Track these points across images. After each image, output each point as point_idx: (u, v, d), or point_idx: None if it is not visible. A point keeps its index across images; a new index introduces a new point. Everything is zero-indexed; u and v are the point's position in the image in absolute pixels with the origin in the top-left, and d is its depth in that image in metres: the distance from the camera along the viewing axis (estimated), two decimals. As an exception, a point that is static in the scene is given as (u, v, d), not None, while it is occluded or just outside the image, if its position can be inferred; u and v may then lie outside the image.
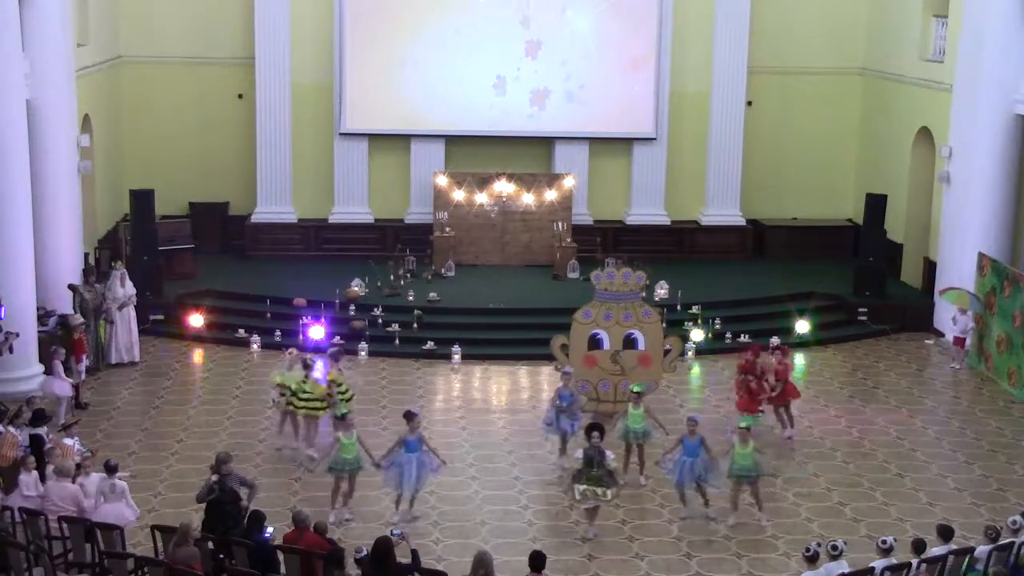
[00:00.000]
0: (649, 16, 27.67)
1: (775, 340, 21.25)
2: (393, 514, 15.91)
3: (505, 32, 27.50)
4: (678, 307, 24.05)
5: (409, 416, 16.10)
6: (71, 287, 21.28)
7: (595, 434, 15.45)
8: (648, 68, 27.83)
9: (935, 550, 13.20)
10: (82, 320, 20.57)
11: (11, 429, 15.65)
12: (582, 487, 15.39)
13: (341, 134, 27.73)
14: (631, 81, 27.91)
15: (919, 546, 13.14)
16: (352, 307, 23.89)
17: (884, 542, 13.13)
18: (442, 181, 27.14)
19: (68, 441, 15.63)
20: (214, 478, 13.87)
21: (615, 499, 15.73)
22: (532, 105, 27.77)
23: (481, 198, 27.21)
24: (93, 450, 16.22)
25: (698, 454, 16.00)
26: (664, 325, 20.56)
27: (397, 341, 23.04)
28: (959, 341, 22.98)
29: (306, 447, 17.91)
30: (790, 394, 19.08)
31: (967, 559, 13.31)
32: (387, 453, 15.99)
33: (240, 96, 28.35)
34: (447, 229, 26.74)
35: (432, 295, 24.37)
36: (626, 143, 28.39)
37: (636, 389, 17.44)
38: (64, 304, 21.33)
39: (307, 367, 18.00)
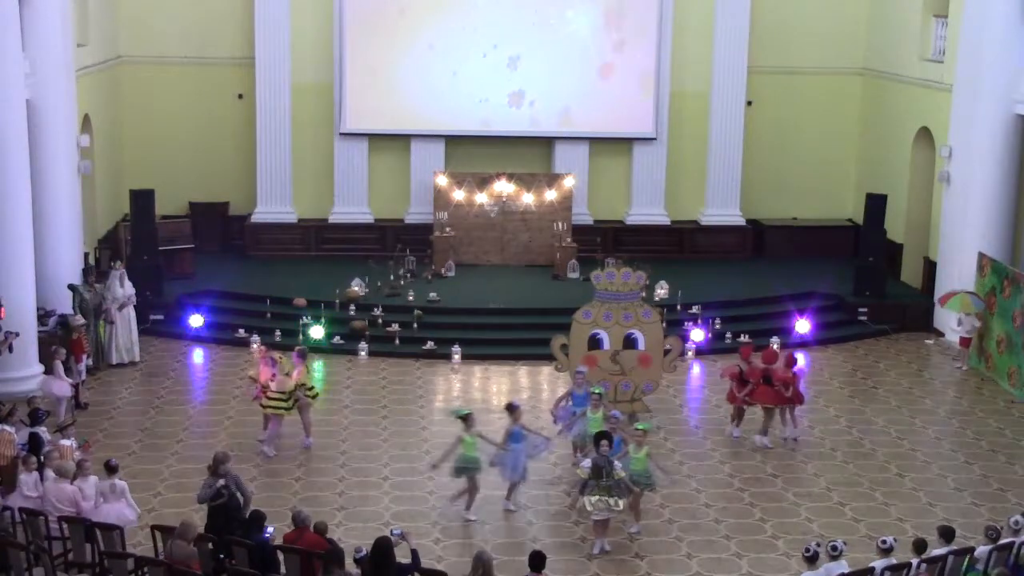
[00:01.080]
0: (649, 16, 27.68)
1: (775, 340, 21.34)
2: (507, 504, 16.16)
3: (505, 32, 27.49)
4: (678, 307, 24.05)
5: (511, 408, 16.31)
6: (71, 287, 21.26)
7: (604, 443, 15.00)
8: (648, 68, 27.83)
9: (936, 551, 13.20)
10: (82, 320, 20.56)
11: (7, 427, 15.65)
12: (594, 498, 14.89)
13: (341, 134, 27.73)
14: (631, 81, 27.92)
15: (920, 546, 13.14)
16: (352, 307, 23.89)
17: (884, 542, 13.13)
18: (442, 181, 27.13)
19: (65, 442, 15.59)
20: (221, 482, 13.83)
21: (626, 509, 15.42)
22: (532, 105, 27.76)
23: (481, 198, 27.20)
24: (88, 440, 16.16)
25: (616, 454, 15.56)
26: (664, 325, 20.57)
27: (397, 341, 23.04)
28: (965, 342, 22.96)
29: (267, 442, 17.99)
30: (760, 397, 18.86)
31: (967, 559, 13.30)
32: (500, 447, 16.21)
33: (240, 96, 28.35)
34: (447, 229, 26.74)
35: (432, 295, 24.36)
36: (626, 143, 28.38)
37: (596, 391, 17.12)
38: (64, 304, 21.31)
39: (303, 357, 18.02)
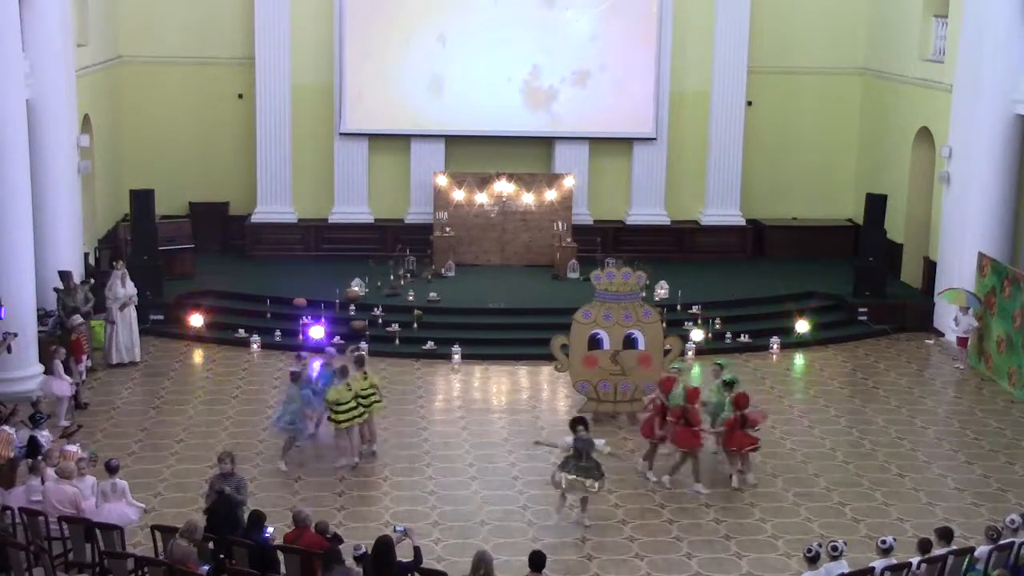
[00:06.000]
0: (649, 16, 27.69)
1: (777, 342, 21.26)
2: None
3: (505, 32, 27.50)
4: (678, 307, 24.05)
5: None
6: (56, 290, 21.16)
7: (580, 428, 15.69)
8: (648, 68, 27.84)
9: (936, 552, 13.19)
10: (81, 321, 20.51)
11: (6, 428, 15.62)
12: (571, 476, 15.54)
13: (341, 134, 27.74)
14: (631, 81, 27.92)
15: (925, 545, 13.12)
16: (352, 307, 23.90)
17: (884, 542, 13.13)
18: (442, 181, 27.14)
19: (70, 448, 15.51)
20: (219, 484, 13.82)
21: (602, 491, 15.89)
22: (532, 105, 27.78)
23: (481, 198, 27.21)
24: (96, 456, 16.14)
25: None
26: (664, 325, 20.56)
27: (397, 341, 23.04)
28: (962, 341, 22.97)
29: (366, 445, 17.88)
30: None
31: (967, 559, 13.30)
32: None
33: (240, 96, 28.35)
34: (447, 229, 26.75)
35: (432, 295, 24.37)
36: (626, 143, 28.39)
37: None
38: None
39: (360, 364, 17.88)
